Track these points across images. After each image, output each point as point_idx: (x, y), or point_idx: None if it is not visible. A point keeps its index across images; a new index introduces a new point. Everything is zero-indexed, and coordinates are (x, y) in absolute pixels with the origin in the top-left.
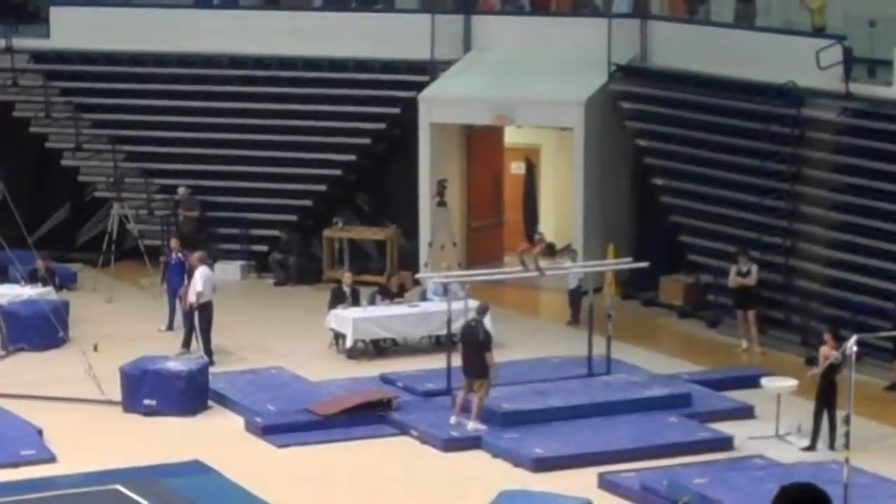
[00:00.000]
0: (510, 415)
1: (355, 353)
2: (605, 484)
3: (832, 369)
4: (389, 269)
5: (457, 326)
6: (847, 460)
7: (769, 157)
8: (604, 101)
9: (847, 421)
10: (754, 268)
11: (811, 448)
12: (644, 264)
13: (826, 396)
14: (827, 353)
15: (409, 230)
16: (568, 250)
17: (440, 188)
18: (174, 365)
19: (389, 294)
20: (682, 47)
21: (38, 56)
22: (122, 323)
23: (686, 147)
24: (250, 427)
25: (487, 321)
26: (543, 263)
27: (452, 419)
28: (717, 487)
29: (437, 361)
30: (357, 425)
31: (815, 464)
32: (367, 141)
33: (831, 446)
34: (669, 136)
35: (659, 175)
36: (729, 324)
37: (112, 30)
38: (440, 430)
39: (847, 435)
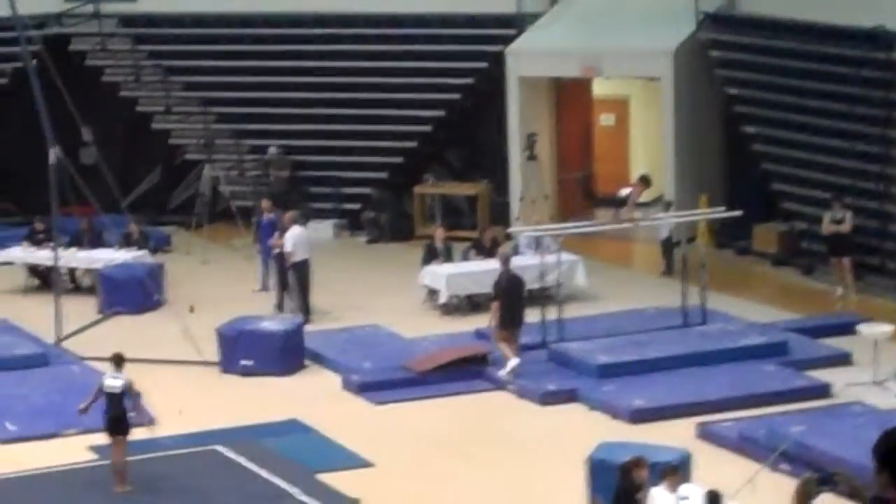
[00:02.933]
0: (607, 367)
1: (450, 309)
2: (704, 434)
3: None
4: (482, 224)
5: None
6: None
7: (860, 102)
8: (692, 49)
9: None
10: (848, 214)
11: None
12: (737, 213)
13: None
14: None
15: (500, 185)
16: (660, 200)
17: (530, 142)
18: (270, 325)
19: (483, 249)
20: None
21: (126, 20)
22: (216, 284)
23: (776, 94)
24: (347, 385)
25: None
26: (636, 213)
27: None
28: (816, 435)
29: (530, 315)
30: (453, 381)
31: None
32: (455, 96)
33: None
34: (759, 83)
35: (750, 123)
36: (824, 271)
37: None
38: (537, 384)
39: None
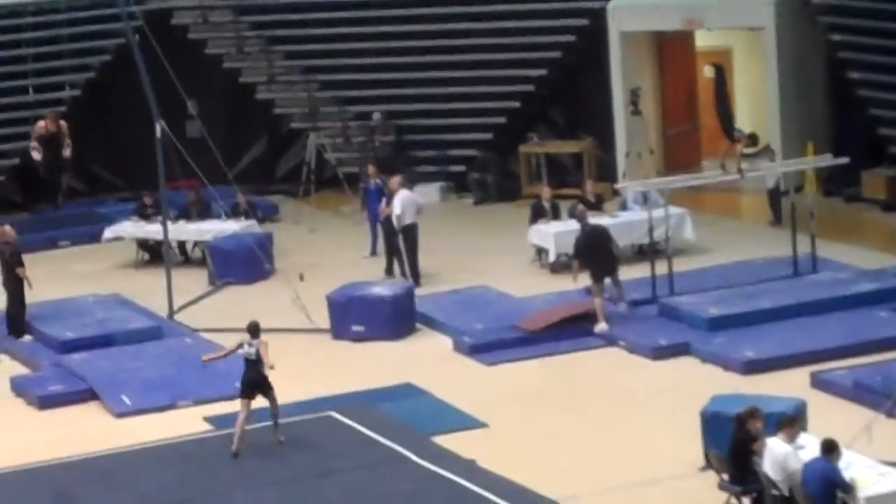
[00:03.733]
0: (718, 319)
1: (558, 267)
2: (818, 383)
3: None
4: (584, 179)
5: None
6: None
7: None
8: None
9: None
10: None
11: None
12: (844, 160)
13: None
14: None
15: (605, 141)
16: (766, 150)
17: (634, 97)
18: (380, 290)
19: (588, 204)
20: None
21: None
22: (325, 252)
23: (881, 39)
24: (458, 347)
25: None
26: (743, 164)
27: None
28: None
29: (640, 270)
30: (564, 339)
31: None
32: (557, 54)
33: None
34: (863, 28)
35: (855, 69)
36: None
37: None
38: (648, 339)
39: None
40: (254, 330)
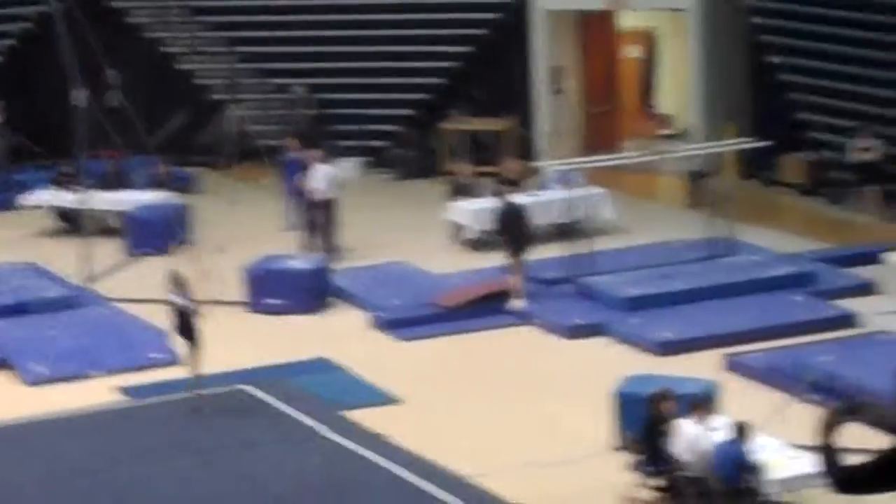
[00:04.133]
0: (634, 300)
1: (477, 245)
2: (731, 365)
3: None
4: (502, 158)
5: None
6: None
7: (889, 30)
8: None
9: None
10: (877, 143)
11: None
12: (764, 143)
13: None
14: None
15: (527, 120)
16: (686, 133)
17: (556, 76)
18: (297, 263)
19: (508, 182)
20: None
21: None
22: (243, 224)
23: (802, 23)
24: (374, 322)
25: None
26: (662, 146)
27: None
28: (844, 364)
29: (558, 249)
30: (481, 316)
31: None
32: (481, 31)
33: None
34: (784, 12)
35: (776, 53)
36: (851, 200)
37: None
38: (564, 318)
39: None
40: (177, 279)
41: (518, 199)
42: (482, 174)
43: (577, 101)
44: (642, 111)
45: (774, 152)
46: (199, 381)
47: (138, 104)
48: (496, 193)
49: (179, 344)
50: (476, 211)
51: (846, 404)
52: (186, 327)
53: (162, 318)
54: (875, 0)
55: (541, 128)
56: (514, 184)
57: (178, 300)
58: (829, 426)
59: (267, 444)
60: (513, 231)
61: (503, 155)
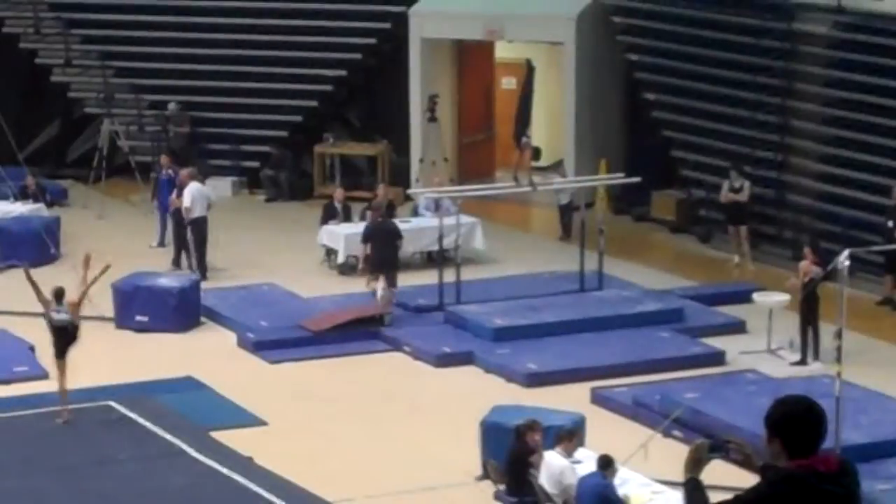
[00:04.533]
0: (502, 330)
1: (347, 269)
2: (598, 399)
3: (812, 283)
4: (376, 184)
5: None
6: (839, 374)
7: (761, 72)
8: (595, 15)
9: (839, 335)
10: (746, 183)
11: (801, 363)
12: (636, 179)
13: (809, 310)
14: (807, 268)
15: (401, 146)
16: (559, 165)
17: (431, 104)
18: (166, 281)
19: (377, 208)
20: None
21: None
22: (113, 239)
23: (678, 61)
24: (242, 343)
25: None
26: (535, 178)
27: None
28: (709, 402)
29: (428, 277)
30: (349, 341)
31: (807, 378)
32: (357, 56)
33: (815, 357)
34: (661, 50)
35: (651, 90)
36: (721, 239)
37: None
38: (433, 346)
39: (839, 349)
40: (60, 295)
41: (416, 229)
42: (355, 199)
43: (452, 129)
44: (516, 142)
45: (646, 188)
46: (66, 397)
47: (10, 115)
48: (373, 208)
49: (53, 359)
50: (347, 235)
51: (714, 440)
52: (62, 343)
53: (28, 332)
54: (750, 42)
55: (414, 154)
56: (385, 210)
57: (61, 316)
58: (696, 462)
59: (131, 461)
60: (380, 247)
61: (376, 180)
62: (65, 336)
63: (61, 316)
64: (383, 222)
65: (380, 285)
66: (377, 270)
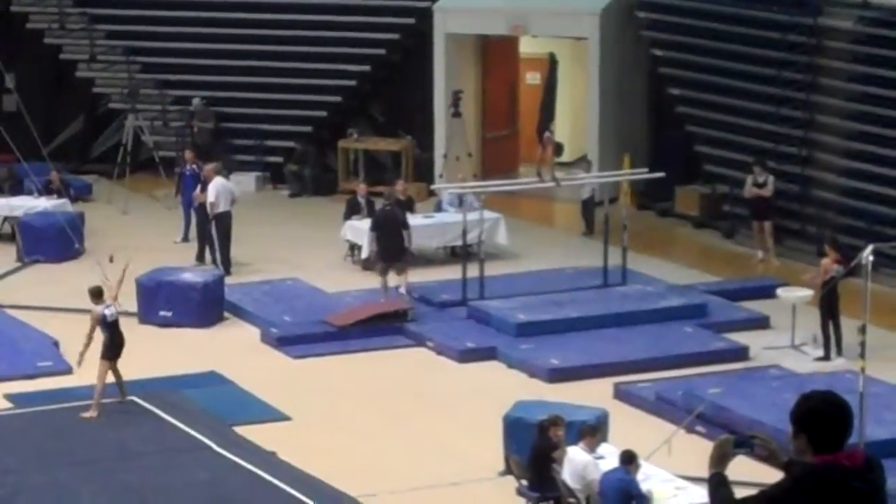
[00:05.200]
0: (526, 325)
1: (371, 265)
2: (621, 394)
3: (832, 280)
4: (394, 178)
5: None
6: (863, 370)
7: (786, 67)
8: (619, 10)
9: (863, 331)
10: (770, 178)
11: (825, 358)
12: (660, 174)
13: (830, 307)
14: (828, 266)
15: (424, 141)
16: (583, 161)
17: (455, 99)
18: (190, 276)
19: (399, 203)
20: None
21: None
22: (137, 234)
23: (702, 57)
24: (266, 338)
25: None
26: (559, 173)
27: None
28: (733, 397)
29: (452, 272)
30: (372, 336)
31: (831, 373)
32: (381, 52)
33: (839, 352)
34: (685, 45)
35: (675, 85)
36: (745, 234)
37: None
38: (456, 341)
39: (862, 345)
40: (100, 293)
41: (415, 221)
42: (378, 194)
43: (476, 124)
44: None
45: (670, 184)
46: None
47: (35, 110)
48: (386, 196)
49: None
50: (370, 230)
51: (738, 436)
52: (113, 338)
53: (52, 327)
54: (775, 37)
55: (438, 150)
56: (405, 205)
57: (112, 310)
58: (721, 457)
59: (154, 455)
60: (386, 235)
61: (399, 176)
62: (118, 331)
63: (112, 310)
64: (391, 211)
65: (401, 281)
66: (383, 260)
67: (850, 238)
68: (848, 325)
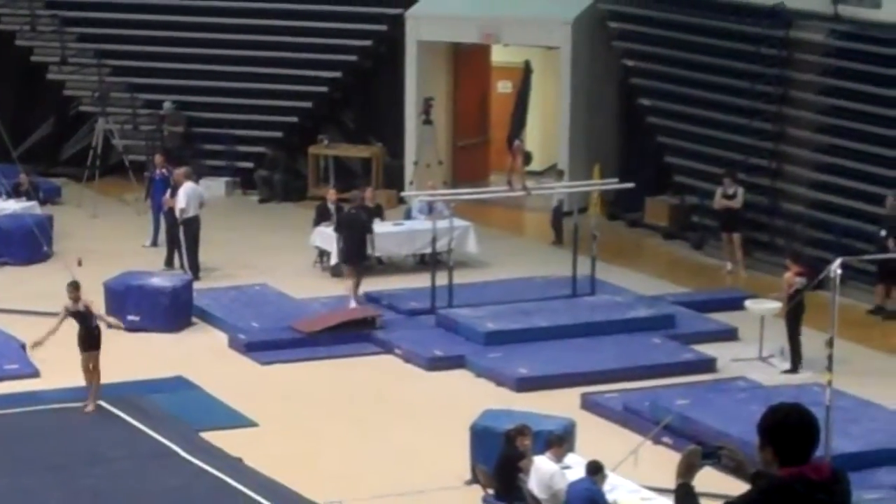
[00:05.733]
0: (494, 334)
1: (339, 271)
2: (588, 404)
3: (797, 293)
4: (363, 185)
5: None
6: (829, 383)
7: (756, 79)
8: (592, 20)
9: (830, 344)
10: (740, 190)
11: (792, 371)
12: (630, 185)
13: (794, 319)
14: (790, 279)
15: (395, 148)
16: (553, 170)
17: (426, 106)
18: (158, 281)
19: (367, 211)
20: None
21: None
22: (106, 238)
23: (673, 68)
24: (234, 344)
25: None
26: (529, 182)
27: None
28: (700, 409)
29: (420, 280)
30: (341, 343)
31: (798, 386)
32: (353, 58)
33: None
34: (657, 56)
35: (646, 96)
36: (714, 245)
37: None
38: (424, 349)
39: (830, 358)
40: (75, 287)
41: (383, 229)
42: (347, 201)
43: (447, 132)
44: (509, 145)
45: (640, 194)
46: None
47: (5, 112)
48: (352, 198)
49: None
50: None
51: (706, 447)
52: (89, 331)
53: (19, 330)
54: (746, 49)
55: (409, 157)
56: (374, 212)
57: (80, 308)
58: (688, 467)
59: (121, 460)
60: (351, 237)
61: (369, 183)
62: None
63: (78, 306)
64: (356, 214)
65: (350, 287)
66: (343, 262)
67: (818, 251)
68: (816, 338)
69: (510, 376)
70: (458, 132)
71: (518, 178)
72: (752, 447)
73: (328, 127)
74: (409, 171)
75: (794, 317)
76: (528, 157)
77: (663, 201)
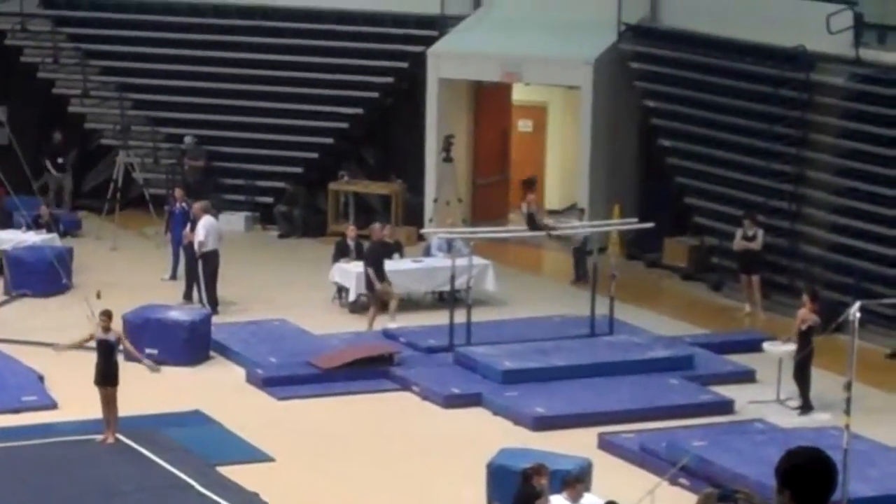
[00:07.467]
0: (512, 373)
1: (358, 308)
2: (605, 444)
3: (811, 331)
4: (382, 222)
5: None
6: (847, 426)
7: (777, 121)
8: (613, 60)
9: (848, 387)
10: (760, 232)
11: (804, 408)
12: (649, 225)
13: (804, 359)
14: (805, 315)
15: (415, 185)
16: (573, 209)
17: (447, 144)
18: (177, 314)
19: (386, 247)
20: (692, 8)
21: (47, 1)
22: (125, 271)
23: (694, 109)
24: (251, 378)
25: None
26: (550, 221)
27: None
28: (717, 450)
29: (439, 318)
30: (358, 379)
31: (816, 429)
32: (374, 95)
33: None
34: (677, 97)
35: (666, 136)
36: (732, 287)
37: None
38: (441, 387)
39: (848, 401)
40: (108, 316)
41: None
42: (367, 237)
43: (467, 170)
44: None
45: (659, 234)
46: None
47: (27, 144)
48: (372, 232)
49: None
50: (358, 273)
51: (723, 490)
52: (110, 366)
53: (38, 361)
54: (767, 91)
55: (428, 194)
56: (394, 248)
57: (110, 338)
58: None
59: (136, 493)
60: (377, 263)
61: (389, 219)
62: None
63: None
64: (376, 243)
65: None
66: (370, 289)
67: (837, 294)
68: (834, 382)
69: (527, 415)
70: (478, 170)
71: (539, 216)
72: (768, 490)
73: (348, 163)
74: (428, 208)
75: (803, 357)
76: (531, 182)
77: (682, 242)
